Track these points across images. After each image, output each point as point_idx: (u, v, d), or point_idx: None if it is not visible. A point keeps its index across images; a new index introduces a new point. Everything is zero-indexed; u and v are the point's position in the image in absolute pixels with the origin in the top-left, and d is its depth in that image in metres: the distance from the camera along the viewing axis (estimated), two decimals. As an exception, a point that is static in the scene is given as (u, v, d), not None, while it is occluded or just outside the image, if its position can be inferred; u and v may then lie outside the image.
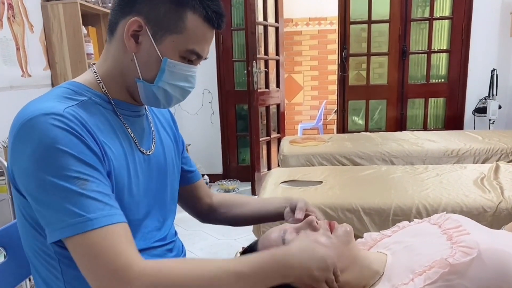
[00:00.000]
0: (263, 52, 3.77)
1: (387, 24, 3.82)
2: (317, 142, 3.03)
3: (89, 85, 0.81)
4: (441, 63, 3.93)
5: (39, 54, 2.38)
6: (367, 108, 4.06)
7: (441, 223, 0.91)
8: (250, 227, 1.98)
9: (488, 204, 1.70)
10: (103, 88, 0.82)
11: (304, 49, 5.87)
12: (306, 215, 0.92)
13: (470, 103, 3.79)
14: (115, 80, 0.83)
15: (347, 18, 3.83)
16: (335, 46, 5.26)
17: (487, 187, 1.88)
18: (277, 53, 3.90)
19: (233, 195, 1.18)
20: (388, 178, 2.15)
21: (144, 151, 0.87)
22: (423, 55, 3.88)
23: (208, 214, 1.12)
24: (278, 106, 4.02)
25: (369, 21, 3.85)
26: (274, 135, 3.99)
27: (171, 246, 0.94)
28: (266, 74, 3.80)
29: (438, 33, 3.84)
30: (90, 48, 2.49)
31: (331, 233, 0.85)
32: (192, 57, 0.82)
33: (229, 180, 3.92)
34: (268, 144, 3.95)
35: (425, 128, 3.99)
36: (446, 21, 3.79)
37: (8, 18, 2.13)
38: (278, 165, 2.98)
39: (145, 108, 0.93)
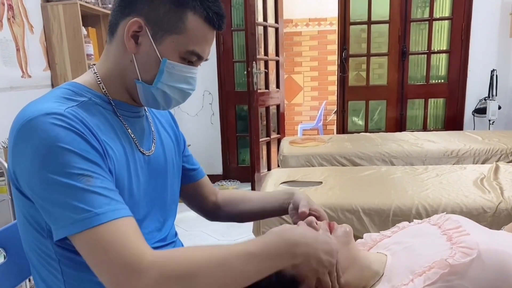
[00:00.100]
0: (263, 53, 3.77)
1: (387, 25, 3.83)
2: (317, 142, 3.03)
3: (89, 86, 0.81)
4: (440, 63, 3.93)
5: (39, 55, 2.38)
6: (367, 108, 4.06)
7: (441, 223, 0.91)
8: (250, 227, 1.98)
9: (488, 204, 1.70)
10: (103, 88, 0.82)
11: (304, 49, 5.88)
12: (309, 214, 0.92)
13: (470, 104, 3.79)
14: (115, 81, 0.83)
15: (347, 19, 3.83)
16: (335, 47, 5.26)
17: (487, 188, 1.88)
18: (277, 54, 3.90)
19: (237, 191, 1.18)
20: (388, 178, 2.15)
21: (144, 152, 0.87)
22: (423, 55, 3.88)
23: (214, 212, 1.12)
24: (278, 106, 4.02)
25: (369, 22, 3.85)
26: (274, 135, 4.00)
27: (171, 247, 0.94)
28: (266, 74, 3.80)
29: (437, 34, 3.84)
30: (90, 49, 2.49)
31: (331, 233, 0.85)
32: (192, 58, 0.81)
33: (229, 181, 3.92)
34: (268, 144, 3.96)
35: (425, 128, 3.99)
36: (446, 22, 3.80)
37: (8, 19, 2.13)
38: (278, 166, 2.98)
39: (145, 109, 0.93)
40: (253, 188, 3.65)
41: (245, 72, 3.52)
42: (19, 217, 0.80)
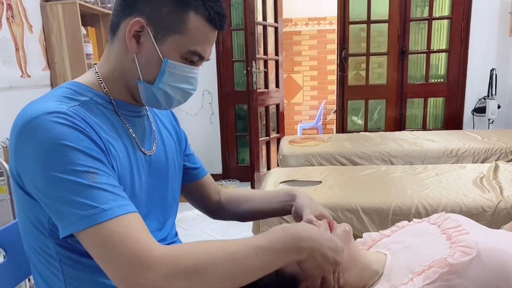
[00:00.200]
0: (262, 52, 3.77)
1: (386, 24, 3.82)
2: (317, 142, 3.03)
3: (91, 85, 0.81)
4: (440, 63, 3.93)
5: (38, 55, 2.38)
6: (366, 108, 4.06)
7: (440, 222, 0.91)
8: (249, 227, 1.98)
9: (487, 203, 1.71)
10: (104, 88, 0.82)
11: (304, 49, 5.88)
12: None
13: (469, 103, 3.79)
14: (116, 81, 0.83)
15: (346, 18, 3.83)
16: (334, 46, 5.26)
17: (486, 187, 1.88)
18: (277, 53, 3.90)
19: (240, 190, 1.18)
20: (387, 178, 2.15)
21: (145, 152, 0.87)
22: (422, 55, 3.88)
23: (217, 211, 1.12)
24: (277, 106, 4.02)
25: (368, 21, 3.85)
26: (273, 135, 4.00)
27: (172, 247, 0.94)
28: (266, 74, 3.80)
29: (437, 33, 3.84)
30: (89, 48, 2.49)
31: (331, 232, 0.85)
32: (194, 58, 0.81)
33: (229, 180, 3.92)
34: (268, 144, 3.96)
35: (424, 128, 3.99)
36: (445, 21, 3.79)
37: (7, 18, 2.13)
38: (278, 165, 2.98)
39: (146, 108, 0.93)
40: (252, 188, 3.64)
41: (245, 72, 3.52)
42: (21, 216, 0.80)
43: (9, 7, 2.14)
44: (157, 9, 0.77)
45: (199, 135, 3.98)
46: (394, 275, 0.82)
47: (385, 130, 3.93)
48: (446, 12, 3.79)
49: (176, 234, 1.01)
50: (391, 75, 3.91)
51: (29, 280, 1.66)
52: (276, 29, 3.84)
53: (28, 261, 0.85)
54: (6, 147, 1.89)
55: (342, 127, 4.04)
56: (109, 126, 0.79)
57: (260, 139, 3.71)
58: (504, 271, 0.74)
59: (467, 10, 3.65)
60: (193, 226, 2.87)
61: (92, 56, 2.50)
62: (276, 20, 3.83)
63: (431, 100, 3.98)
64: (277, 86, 3.98)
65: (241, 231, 2.76)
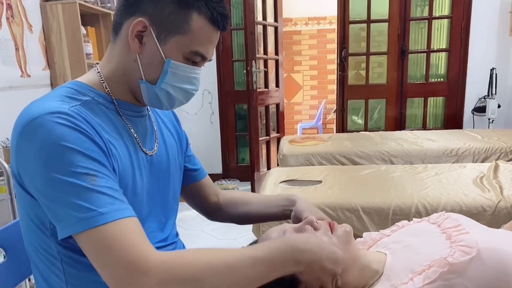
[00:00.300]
0: (262, 52, 3.77)
1: (386, 24, 3.82)
2: (317, 141, 3.03)
3: (92, 85, 0.81)
4: (440, 62, 3.93)
5: (38, 54, 2.38)
6: (366, 107, 4.06)
7: (440, 222, 0.91)
8: (249, 227, 1.98)
9: (487, 203, 1.71)
10: (106, 88, 0.82)
11: (304, 48, 5.88)
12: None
13: (469, 102, 3.79)
14: (118, 81, 0.83)
15: (346, 18, 3.83)
16: (334, 46, 5.26)
17: (487, 186, 1.88)
18: (276, 53, 3.90)
19: (239, 193, 1.18)
20: (387, 177, 2.15)
21: (147, 152, 0.87)
22: (422, 54, 3.88)
23: (215, 212, 1.12)
24: (277, 105, 4.02)
25: (368, 21, 3.85)
26: (273, 134, 3.99)
27: (172, 247, 0.94)
28: (266, 73, 3.80)
29: (437, 32, 3.84)
30: (89, 48, 2.49)
31: (331, 233, 0.85)
32: (196, 59, 0.81)
33: (229, 180, 3.92)
34: (268, 143, 3.95)
35: (424, 127, 3.99)
36: (445, 20, 3.79)
37: (7, 18, 2.13)
38: (278, 165, 2.98)
39: (148, 108, 0.93)
40: (252, 187, 3.65)
41: (245, 71, 3.51)
42: (22, 215, 0.80)
43: (9, 6, 2.14)
44: (160, 9, 0.77)
45: (199, 134, 3.98)
46: (394, 274, 0.82)
47: (385, 130, 3.93)
48: (446, 11, 3.78)
49: (177, 234, 1.01)
50: (391, 74, 3.91)
51: (29, 280, 1.66)
52: (276, 28, 3.84)
53: (28, 261, 0.85)
54: (6, 147, 1.89)
55: (342, 127, 4.04)
56: (111, 126, 0.79)
57: (260, 138, 3.70)
58: (504, 271, 0.74)
59: (467, 10, 3.65)
60: (193, 226, 2.86)
61: (92, 56, 2.50)
62: (276, 20, 3.83)
63: (431, 100, 3.98)
64: (277, 85, 3.98)
65: (241, 231, 2.76)
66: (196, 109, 3.98)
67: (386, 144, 2.86)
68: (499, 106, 3.55)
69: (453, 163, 2.55)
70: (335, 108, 4.39)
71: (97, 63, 0.86)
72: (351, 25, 3.88)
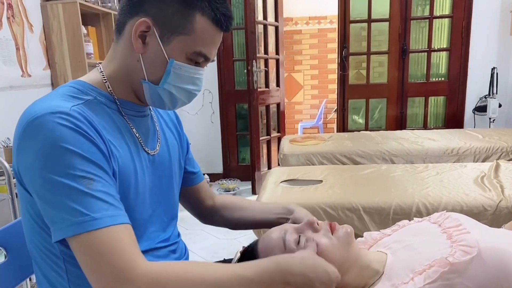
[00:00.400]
0: (263, 51, 3.77)
1: (387, 23, 3.82)
2: (317, 141, 3.03)
3: (95, 85, 0.81)
4: (441, 61, 3.92)
5: (39, 54, 2.38)
6: (367, 107, 4.06)
7: (441, 222, 0.91)
8: (251, 227, 1.98)
9: (488, 202, 1.70)
10: (108, 87, 0.82)
11: (304, 48, 5.87)
12: None
13: (470, 102, 3.78)
14: (121, 80, 0.83)
15: (347, 17, 3.82)
16: (335, 45, 5.26)
17: (488, 186, 1.88)
18: (277, 52, 3.89)
19: (235, 198, 1.17)
20: (388, 177, 2.15)
21: (149, 151, 0.87)
22: (423, 53, 3.87)
23: (210, 216, 1.12)
24: (278, 105, 4.01)
25: (369, 20, 3.85)
26: (274, 134, 3.99)
27: (174, 247, 0.94)
28: (266, 73, 3.79)
29: (438, 32, 3.83)
30: (90, 47, 2.49)
31: (332, 234, 0.85)
32: (199, 59, 0.81)
33: (229, 180, 3.92)
34: (268, 143, 3.95)
35: (425, 126, 3.99)
36: (446, 20, 3.79)
37: (8, 18, 2.13)
38: (278, 164, 2.98)
39: (150, 108, 0.93)
40: (253, 187, 3.65)
41: (245, 71, 3.51)
42: (24, 214, 0.80)
43: (10, 6, 2.14)
44: (163, 9, 0.76)
45: (200, 134, 3.98)
46: (395, 274, 0.81)
47: (386, 129, 3.93)
48: (447, 10, 3.78)
49: (179, 234, 1.01)
50: (391, 74, 3.91)
51: (30, 279, 1.66)
52: (276, 28, 3.84)
53: (29, 260, 0.85)
54: (7, 146, 1.89)
55: (342, 126, 4.04)
56: (112, 126, 0.79)
57: (260, 138, 3.70)
58: (505, 270, 0.73)
59: (468, 9, 3.64)
60: (194, 225, 2.86)
61: (92, 55, 2.50)
62: (276, 19, 3.83)
63: (432, 99, 3.98)
64: (277, 85, 3.97)
65: (242, 231, 2.75)
66: (196, 109, 3.98)
67: (387, 143, 2.86)
68: (500, 106, 3.55)
69: (454, 162, 2.55)
70: (336, 107, 4.39)
71: (100, 63, 0.86)
72: (351, 25, 3.87)
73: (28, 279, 1.62)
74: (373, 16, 3.84)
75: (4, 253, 0.97)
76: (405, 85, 3.89)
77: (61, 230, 0.67)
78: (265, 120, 3.92)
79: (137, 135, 0.85)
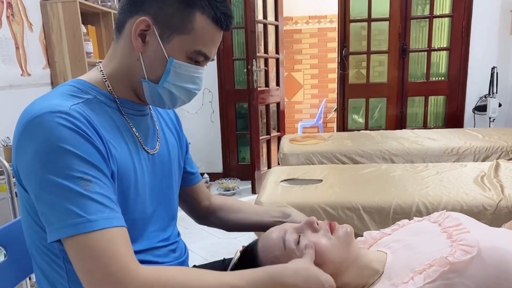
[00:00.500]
0: (263, 51, 3.76)
1: (387, 22, 3.82)
2: (317, 140, 3.03)
3: (95, 84, 0.81)
4: (441, 61, 3.92)
5: (39, 53, 2.38)
6: (367, 106, 4.06)
7: (441, 221, 0.91)
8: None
9: (488, 202, 1.70)
10: (108, 86, 0.82)
11: (304, 47, 5.87)
12: None
13: (470, 101, 3.78)
14: (121, 79, 0.82)
15: (347, 16, 3.82)
16: (335, 44, 5.25)
17: (487, 185, 1.88)
18: (277, 52, 3.89)
19: (232, 199, 1.18)
20: (388, 176, 2.15)
21: (149, 151, 0.87)
22: (423, 53, 3.87)
23: (205, 216, 1.12)
24: (278, 104, 4.01)
25: (369, 19, 3.84)
26: (274, 133, 3.99)
27: (174, 247, 0.94)
28: (266, 72, 3.79)
29: (438, 31, 3.83)
30: (89, 47, 2.48)
31: (332, 234, 0.84)
32: (199, 58, 0.81)
33: (229, 179, 3.92)
34: (268, 142, 3.95)
35: (425, 126, 3.99)
36: (446, 19, 3.79)
37: (7, 17, 2.12)
38: (278, 164, 2.98)
39: (150, 107, 0.93)
40: (253, 186, 3.65)
41: (245, 70, 3.51)
42: (24, 213, 0.80)
43: (9, 5, 2.14)
44: (163, 8, 0.76)
45: (200, 133, 3.98)
46: (395, 273, 0.81)
47: (386, 129, 3.93)
48: (447, 10, 3.78)
49: (179, 234, 1.01)
50: (391, 73, 3.91)
51: (30, 278, 1.66)
52: (276, 27, 3.83)
53: (29, 260, 0.84)
54: (6, 145, 1.89)
55: (342, 126, 4.04)
56: (112, 125, 0.79)
57: (260, 137, 3.70)
58: (506, 270, 0.73)
59: (468, 8, 3.64)
60: (194, 225, 2.85)
61: (92, 54, 2.50)
62: (276, 18, 3.82)
63: (432, 99, 3.98)
64: (277, 84, 3.97)
65: (242, 229, 2.76)
66: (196, 108, 3.98)
67: (386, 143, 2.86)
68: (500, 105, 3.55)
69: (454, 162, 2.55)
70: (336, 107, 4.39)
71: (100, 62, 0.86)
72: (351, 24, 3.87)
73: (28, 278, 1.62)
74: (373, 16, 3.84)
75: (4, 252, 0.97)
76: (405, 85, 3.89)
77: (56, 231, 0.67)
78: (265, 120, 3.92)
79: (137, 134, 0.85)
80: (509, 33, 3.59)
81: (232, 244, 2.58)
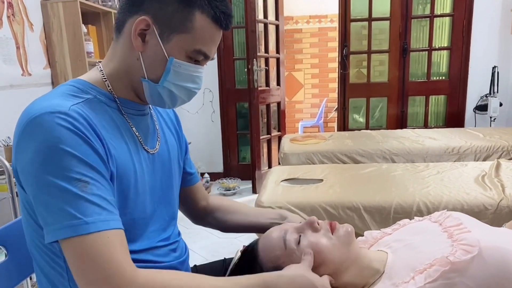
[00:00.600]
0: (263, 50, 3.76)
1: (388, 22, 3.81)
2: (318, 140, 3.03)
3: (95, 83, 0.81)
4: (441, 60, 3.92)
5: (39, 53, 2.38)
6: (367, 106, 4.05)
7: (441, 221, 0.91)
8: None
9: (489, 201, 1.70)
10: (108, 86, 0.82)
11: (305, 47, 5.87)
12: None
13: (471, 101, 3.78)
14: (121, 79, 0.82)
15: (348, 16, 3.82)
16: (335, 44, 5.25)
17: (488, 185, 1.88)
18: (278, 51, 3.89)
19: (229, 201, 1.18)
20: (388, 176, 2.15)
21: (149, 150, 0.87)
22: (423, 52, 3.87)
23: (202, 216, 1.13)
24: (278, 104, 4.01)
25: (370, 19, 3.84)
26: (274, 133, 3.99)
27: (174, 246, 0.94)
28: (267, 72, 3.79)
29: (438, 31, 3.83)
30: (90, 46, 2.48)
31: (332, 233, 0.84)
32: (199, 58, 0.81)
33: (230, 179, 3.92)
34: (269, 142, 3.95)
35: (426, 125, 3.99)
36: (447, 18, 3.78)
37: (8, 17, 2.13)
38: (279, 163, 2.98)
39: (150, 107, 0.93)
40: (254, 186, 3.65)
41: (246, 70, 3.51)
42: (24, 213, 0.80)
43: (10, 5, 2.14)
44: (163, 8, 0.76)
45: (200, 133, 3.98)
46: (396, 273, 0.81)
47: (387, 128, 3.93)
48: (447, 9, 3.77)
49: (179, 233, 1.01)
50: (392, 73, 3.90)
51: (30, 278, 1.66)
52: (277, 27, 3.83)
53: (29, 260, 0.84)
54: (7, 145, 1.89)
55: (343, 125, 4.04)
56: (112, 125, 0.79)
57: (261, 137, 3.70)
58: (506, 269, 0.73)
59: (469, 8, 3.64)
60: (194, 224, 2.86)
61: (92, 54, 2.50)
62: (277, 18, 3.82)
63: (432, 98, 3.97)
64: (278, 84, 3.97)
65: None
66: (197, 108, 3.98)
67: (387, 142, 2.86)
68: (501, 105, 3.54)
69: (454, 161, 2.55)
70: (336, 106, 4.38)
71: (100, 61, 0.86)
72: (352, 23, 3.87)
73: (28, 278, 1.62)
74: (374, 15, 3.83)
75: (5, 252, 0.97)
76: (406, 84, 3.89)
77: (53, 232, 0.67)
78: (265, 119, 3.92)
79: (136, 134, 0.85)
80: (510, 33, 3.59)
81: (232, 244, 2.58)
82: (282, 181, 2.16)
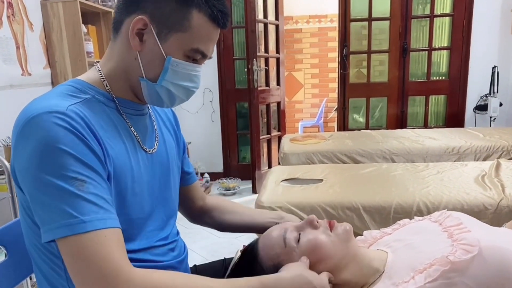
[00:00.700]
0: (263, 50, 3.76)
1: (388, 22, 3.81)
2: (318, 140, 3.03)
3: (93, 83, 0.81)
4: (441, 60, 3.92)
5: (39, 53, 2.38)
6: (367, 105, 4.06)
7: (441, 220, 0.91)
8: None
9: (489, 201, 1.70)
10: (106, 86, 0.82)
11: (305, 47, 5.87)
12: None
13: (471, 101, 3.78)
14: (119, 79, 0.82)
15: (348, 16, 3.82)
16: (335, 44, 5.25)
17: (488, 185, 1.88)
18: (277, 51, 3.89)
19: (226, 201, 1.19)
20: (388, 175, 2.15)
21: (147, 150, 0.87)
22: (423, 52, 3.87)
23: (199, 216, 1.13)
24: (278, 104, 4.01)
25: (370, 19, 3.84)
26: (274, 133, 3.99)
27: (173, 246, 0.94)
28: (267, 72, 3.79)
29: (438, 30, 3.83)
30: (90, 46, 2.48)
31: (331, 231, 0.85)
32: (197, 56, 0.81)
33: (230, 178, 3.92)
34: (269, 142, 3.95)
35: (425, 125, 3.99)
36: (447, 18, 3.78)
37: (8, 16, 2.12)
38: (279, 163, 2.98)
39: (148, 107, 0.93)
40: (254, 186, 3.65)
41: (246, 70, 3.51)
42: (22, 213, 0.80)
43: (10, 5, 2.14)
44: (160, 7, 0.76)
45: (200, 133, 3.98)
46: (395, 273, 0.81)
47: (387, 128, 3.93)
48: (447, 9, 3.77)
49: (178, 233, 1.01)
50: (392, 72, 3.90)
51: (30, 278, 1.66)
52: (277, 26, 3.83)
53: (29, 260, 0.84)
54: (7, 145, 1.89)
55: (343, 125, 4.04)
56: (110, 125, 0.79)
57: (261, 137, 3.70)
58: (506, 269, 0.73)
59: (469, 8, 3.64)
60: (193, 224, 2.86)
61: (92, 54, 2.50)
62: (277, 18, 3.82)
63: (432, 98, 3.98)
64: (278, 84, 3.97)
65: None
66: (197, 108, 3.98)
67: (387, 142, 2.86)
68: (501, 105, 3.54)
69: (454, 161, 2.55)
70: (336, 106, 4.38)
71: (98, 61, 0.86)
72: (352, 23, 3.87)
73: (28, 278, 1.62)
74: (374, 15, 3.83)
75: (5, 252, 0.97)
76: (406, 84, 3.89)
77: (50, 231, 0.67)
78: (265, 119, 3.92)
79: (135, 133, 0.85)
80: (510, 32, 3.59)
81: (232, 243, 2.58)
82: (282, 181, 2.16)
